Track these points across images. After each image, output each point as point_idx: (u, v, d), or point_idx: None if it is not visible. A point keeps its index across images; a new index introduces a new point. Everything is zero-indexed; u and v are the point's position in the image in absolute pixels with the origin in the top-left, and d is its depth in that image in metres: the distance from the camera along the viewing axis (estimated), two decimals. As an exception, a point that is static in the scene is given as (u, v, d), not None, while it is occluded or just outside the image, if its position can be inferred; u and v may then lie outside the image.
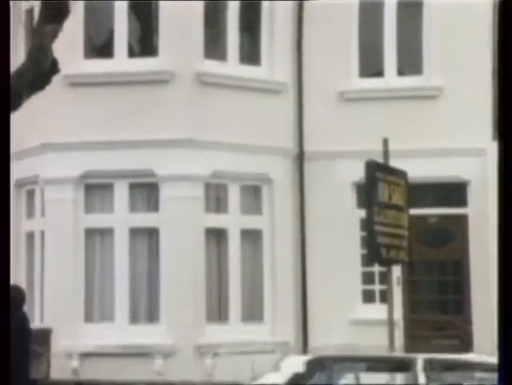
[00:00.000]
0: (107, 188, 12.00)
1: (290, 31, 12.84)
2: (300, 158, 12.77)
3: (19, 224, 12.41)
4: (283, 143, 12.56)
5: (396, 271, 11.29)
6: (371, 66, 13.14)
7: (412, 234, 10.46)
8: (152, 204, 12.01)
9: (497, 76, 11.73)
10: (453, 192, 12.80)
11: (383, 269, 10.76)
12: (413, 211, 10.70)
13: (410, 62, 13.08)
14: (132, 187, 11.98)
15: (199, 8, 12.13)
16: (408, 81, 12.87)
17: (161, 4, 12.07)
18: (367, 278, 12.56)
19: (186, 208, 11.77)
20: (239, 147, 12.01)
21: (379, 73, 13.03)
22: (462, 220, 12.58)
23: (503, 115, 5.75)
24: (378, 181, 9.63)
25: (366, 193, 9.97)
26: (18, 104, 7.27)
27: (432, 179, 12.45)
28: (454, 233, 12.69)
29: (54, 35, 7.41)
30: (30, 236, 12.49)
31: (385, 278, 10.20)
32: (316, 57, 12.81)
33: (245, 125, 12.15)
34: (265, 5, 12.73)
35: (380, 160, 10.05)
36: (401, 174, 10.31)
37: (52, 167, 11.91)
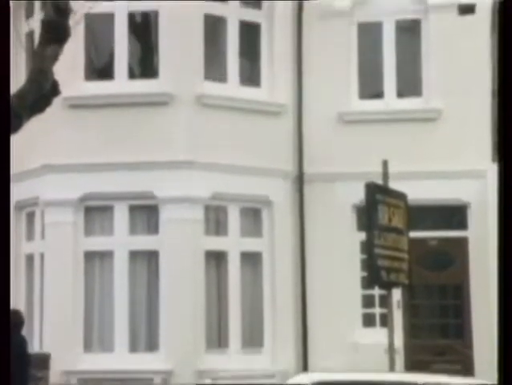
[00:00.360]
0: (107, 210, 12.00)
1: (290, 53, 12.88)
2: (300, 180, 12.77)
3: (19, 247, 12.39)
4: (283, 165, 12.56)
5: (396, 294, 11.26)
6: (370, 87, 13.18)
7: (412, 257, 10.42)
8: (152, 227, 11.99)
9: (496, 98, 11.76)
10: (453, 214, 12.77)
11: (383, 292, 10.73)
12: (413, 234, 10.67)
13: (409, 84, 13.12)
14: (132, 209, 11.97)
15: (199, 30, 12.19)
16: (408, 103, 12.91)
17: (161, 26, 12.13)
18: (368, 301, 12.51)
19: (186, 231, 11.74)
20: (239, 168, 12.02)
21: (378, 95, 13.07)
22: (462, 244, 12.55)
23: (503, 137, 5.75)
24: (378, 203, 9.63)
25: (366, 216, 9.96)
26: (18, 126, 7.28)
27: (432, 201, 12.43)
28: (454, 256, 12.66)
29: (55, 58, 7.44)
30: (30, 258, 12.47)
31: (385, 302, 10.17)
32: (316, 79, 12.86)
33: (245, 147, 12.17)
34: (264, 27, 12.79)
35: (380, 181, 10.06)
36: (401, 196, 10.31)
37: (52, 189, 11.91)
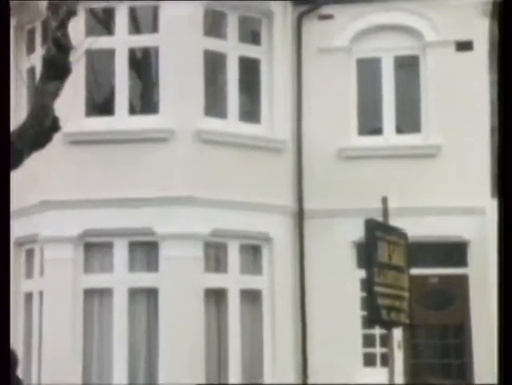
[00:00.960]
0: (107, 246, 11.92)
1: (290, 89, 12.94)
2: (300, 216, 12.74)
3: (18, 285, 12.30)
4: (283, 201, 12.54)
5: (397, 334, 11.16)
6: (369, 123, 13.22)
7: (412, 295, 10.33)
8: (152, 264, 11.91)
9: (495, 134, 11.80)
10: (454, 251, 12.71)
11: (384, 331, 10.64)
12: (413, 271, 10.59)
13: (409, 120, 13.16)
14: (132, 246, 11.90)
15: (199, 66, 12.23)
16: (407, 139, 12.94)
17: (161, 62, 12.17)
18: (368, 341, 12.41)
19: (186, 268, 11.67)
20: (239, 205, 11.99)
21: (377, 131, 13.12)
22: (463, 281, 12.47)
23: (502, 173, 5.73)
24: (378, 240, 9.57)
25: (366, 253, 9.89)
26: (18, 162, 7.27)
27: (432, 238, 12.38)
28: (455, 294, 12.56)
29: (56, 94, 7.45)
30: (29, 296, 12.37)
31: (386, 341, 10.08)
32: (315, 114, 12.92)
33: (245, 183, 12.15)
34: (264, 62, 12.84)
35: (380, 218, 10.03)
36: (401, 233, 10.26)
37: (52, 225, 11.86)
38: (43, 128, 7.36)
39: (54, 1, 7.16)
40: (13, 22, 12.83)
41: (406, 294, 9.98)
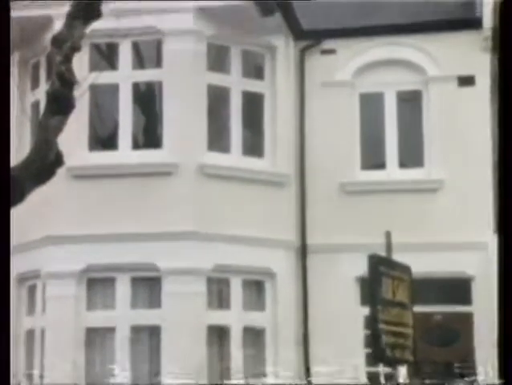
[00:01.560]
0: (109, 282, 11.85)
1: (293, 123, 12.96)
2: (303, 251, 12.69)
3: (19, 322, 12.19)
4: (286, 236, 12.48)
5: (402, 371, 11.02)
6: (372, 158, 13.23)
7: (416, 332, 10.16)
8: (155, 300, 11.80)
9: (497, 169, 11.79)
10: (458, 288, 12.58)
11: (388, 369, 10.52)
12: (417, 308, 10.38)
13: (411, 155, 13.16)
14: (134, 281, 11.83)
15: (202, 100, 12.27)
16: (410, 173, 12.93)
17: (165, 96, 12.20)
18: (373, 379, 12.23)
19: (188, 305, 11.55)
20: (241, 239, 11.93)
21: (380, 165, 13.11)
22: (467, 318, 12.34)
23: (503, 210, 5.68)
24: (381, 276, 9.49)
25: (369, 289, 9.78)
26: (21, 197, 7.23)
27: (436, 274, 12.28)
28: (459, 331, 12.42)
29: (60, 129, 7.44)
30: (31, 334, 12.26)
31: (390, 379, 9.96)
32: (318, 149, 12.93)
33: (248, 217, 12.12)
34: (267, 97, 12.88)
35: (383, 253, 9.97)
36: (405, 269, 10.16)
37: (54, 260, 11.79)
38: (47, 163, 7.34)
39: (59, 36, 7.17)
40: (17, 56, 12.95)
41: (410, 331, 9.86)
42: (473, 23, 12.89)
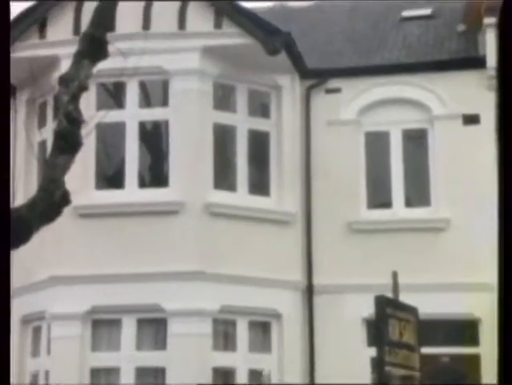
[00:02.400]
0: (115, 323, 11.73)
1: (299, 162, 12.95)
2: (309, 292, 12.57)
3: (23, 364, 12.08)
4: (292, 276, 12.37)
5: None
6: (378, 197, 13.19)
7: (423, 375, 10.01)
8: (160, 341, 11.68)
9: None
10: (465, 329, 12.40)
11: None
12: (424, 350, 10.25)
13: (418, 194, 13.11)
14: (140, 323, 11.71)
15: (208, 139, 12.28)
16: (416, 212, 12.85)
17: (171, 135, 12.22)
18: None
19: (194, 346, 11.43)
20: (247, 280, 11.83)
21: (387, 204, 13.05)
22: (475, 361, 12.12)
23: (503, 252, 5.55)
24: (388, 318, 9.38)
25: (376, 331, 9.66)
26: (28, 236, 7.19)
27: (443, 315, 12.11)
28: (467, 373, 12.22)
29: (67, 167, 7.43)
30: (35, 376, 12.13)
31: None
32: (324, 187, 12.87)
33: (254, 257, 12.05)
34: (273, 135, 12.90)
35: (390, 293, 9.88)
36: (411, 310, 10.03)
37: (60, 302, 11.69)
38: (53, 202, 7.31)
39: (66, 75, 7.20)
40: (25, 95, 13.02)
41: (417, 374, 9.72)
42: (477, 62, 12.92)
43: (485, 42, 12.93)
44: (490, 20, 12.73)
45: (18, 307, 12.07)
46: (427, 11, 15.67)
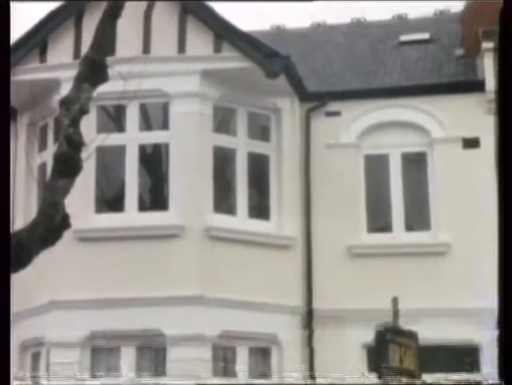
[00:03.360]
0: (114, 349, 11.63)
1: (299, 185, 12.92)
2: (309, 317, 12.47)
3: (22, 390, 11.98)
4: (292, 301, 12.29)
5: None
6: (378, 220, 13.13)
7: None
8: (159, 368, 11.56)
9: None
10: (465, 356, 12.18)
11: None
12: (425, 376, 10.16)
13: (418, 217, 13.05)
14: (139, 348, 11.60)
15: (208, 162, 12.26)
16: (416, 237, 12.79)
17: (171, 158, 12.20)
18: None
19: (193, 372, 11.24)
20: (247, 305, 11.74)
21: (387, 228, 12.99)
22: (476, 387, 11.99)
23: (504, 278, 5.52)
24: (389, 344, 9.32)
25: (377, 357, 9.58)
26: (28, 260, 7.16)
27: (443, 341, 11.92)
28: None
29: (67, 191, 7.41)
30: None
31: None
32: (324, 211, 12.83)
33: (254, 281, 11.96)
34: (273, 159, 12.89)
35: (390, 319, 9.82)
36: (412, 336, 9.96)
37: (58, 327, 11.57)
38: (53, 225, 7.28)
39: (67, 99, 7.22)
40: (25, 119, 13.04)
41: (420, 401, 9.66)
42: (476, 86, 12.96)
43: (483, 66, 12.97)
44: (488, 45, 12.79)
45: (17, 332, 11.95)
46: (425, 35, 15.75)
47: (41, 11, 12.83)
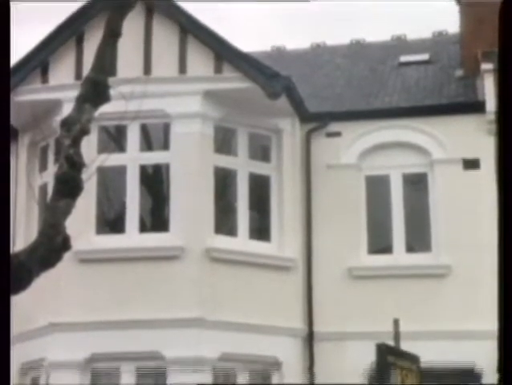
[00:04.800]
0: (114, 371, 11.52)
1: (299, 206, 12.88)
2: (310, 339, 12.39)
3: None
4: (293, 323, 12.21)
5: None
6: (379, 242, 13.08)
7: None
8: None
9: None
10: (468, 379, 11.98)
11: None
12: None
13: (418, 239, 13.01)
14: (139, 370, 11.49)
15: (209, 183, 12.22)
16: (417, 258, 12.73)
17: (172, 179, 12.17)
18: None
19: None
20: (248, 327, 11.66)
21: (387, 249, 12.93)
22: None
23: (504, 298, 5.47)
24: (390, 366, 9.25)
25: (378, 380, 9.47)
26: (28, 281, 7.10)
27: (445, 364, 11.76)
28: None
29: (67, 212, 7.37)
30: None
31: None
32: (325, 232, 12.79)
33: (255, 303, 11.91)
34: (274, 179, 12.87)
35: (391, 341, 9.75)
36: (413, 358, 9.89)
37: (58, 350, 11.49)
38: (54, 247, 7.23)
39: (68, 119, 7.21)
40: (27, 139, 13.04)
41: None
42: (477, 107, 12.96)
43: (483, 86, 12.99)
44: (488, 66, 12.81)
45: (17, 355, 11.87)
46: (424, 56, 15.80)
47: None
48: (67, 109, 8.07)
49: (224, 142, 12.88)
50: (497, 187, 5.23)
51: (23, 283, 6.94)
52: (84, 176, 7.31)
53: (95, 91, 7.15)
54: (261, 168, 12.89)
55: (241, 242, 12.28)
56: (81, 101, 7.19)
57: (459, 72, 14.50)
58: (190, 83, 12.29)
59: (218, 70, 12.40)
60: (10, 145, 13.25)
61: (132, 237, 11.94)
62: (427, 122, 13.15)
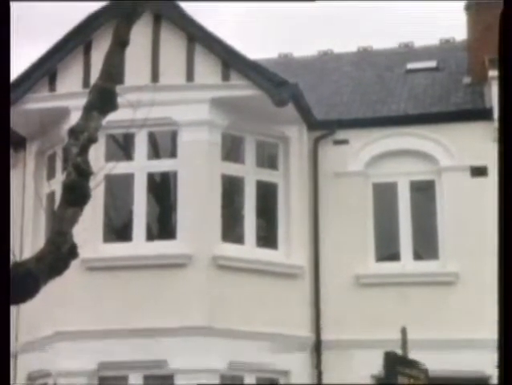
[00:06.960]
0: (121, 380, 11.48)
1: (306, 214, 12.86)
2: (317, 348, 12.35)
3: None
4: (300, 332, 12.18)
5: None
6: (387, 249, 13.04)
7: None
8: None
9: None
10: None
11: None
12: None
13: (426, 246, 12.96)
14: (147, 379, 11.45)
15: (217, 191, 12.22)
16: (425, 266, 12.68)
17: (180, 186, 12.15)
18: None
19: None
20: (255, 335, 11.63)
21: (395, 257, 12.89)
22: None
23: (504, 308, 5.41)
24: (398, 375, 9.23)
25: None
26: (35, 289, 7.10)
27: (453, 373, 11.71)
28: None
29: (75, 220, 7.37)
30: None
31: None
32: (332, 240, 12.77)
33: (262, 311, 11.86)
34: (281, 187, 12.84)
35: (399, 349, 9.71)
36: (421, 367, 9.88)
37: (65, 358, 11.44)
38: (61, 255, 7.23)
39: (76, 127, 7.22)
40: (34, 147, 13.07)
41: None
42: (484, 114, 12.93)
43: (490, 94, 12.96)
44: (495, 73, 12.76)
45: (24, 364, 11.89)
46: (432, 64, 15.79)
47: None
48: (74, 117, 8.08)
49: (231, 150, 12.88)
50: (497, 194, 5.19)
51: (30, 291, 6.94)
52: (92, 184, 7.32)
53: (102, 99, 7.16)
54: (268, 176, 12.88)
55: (249, 250, 12.25)
56: (89, 109, 7.20)
57: (466, 79, 14.48)
58: (198, 90, 12.30)
59: (226, 78, 12.41)
60: (18, 153, 13.35)
61: (139, 245, 11.92)
62: (434, 129, 13.13)
